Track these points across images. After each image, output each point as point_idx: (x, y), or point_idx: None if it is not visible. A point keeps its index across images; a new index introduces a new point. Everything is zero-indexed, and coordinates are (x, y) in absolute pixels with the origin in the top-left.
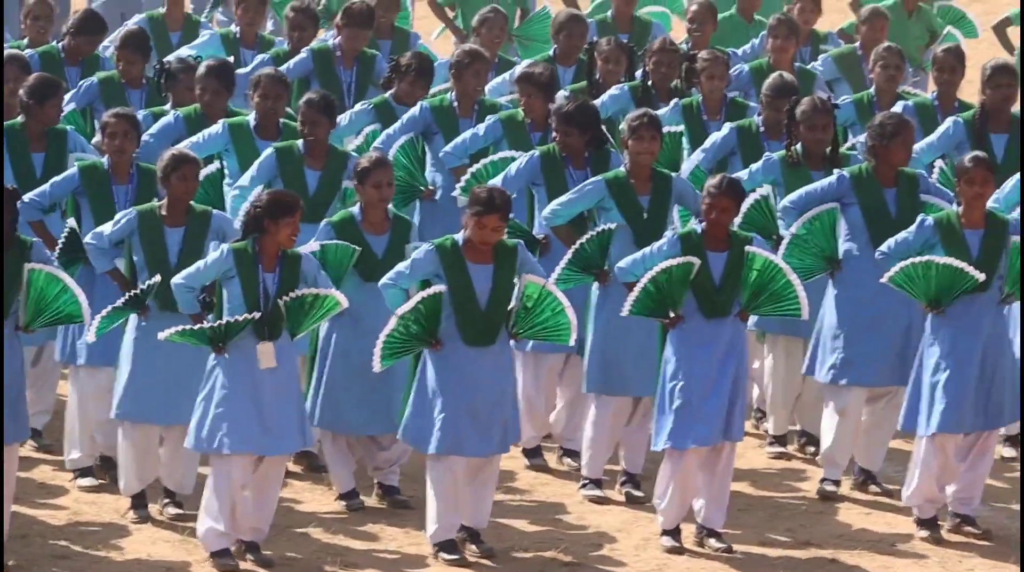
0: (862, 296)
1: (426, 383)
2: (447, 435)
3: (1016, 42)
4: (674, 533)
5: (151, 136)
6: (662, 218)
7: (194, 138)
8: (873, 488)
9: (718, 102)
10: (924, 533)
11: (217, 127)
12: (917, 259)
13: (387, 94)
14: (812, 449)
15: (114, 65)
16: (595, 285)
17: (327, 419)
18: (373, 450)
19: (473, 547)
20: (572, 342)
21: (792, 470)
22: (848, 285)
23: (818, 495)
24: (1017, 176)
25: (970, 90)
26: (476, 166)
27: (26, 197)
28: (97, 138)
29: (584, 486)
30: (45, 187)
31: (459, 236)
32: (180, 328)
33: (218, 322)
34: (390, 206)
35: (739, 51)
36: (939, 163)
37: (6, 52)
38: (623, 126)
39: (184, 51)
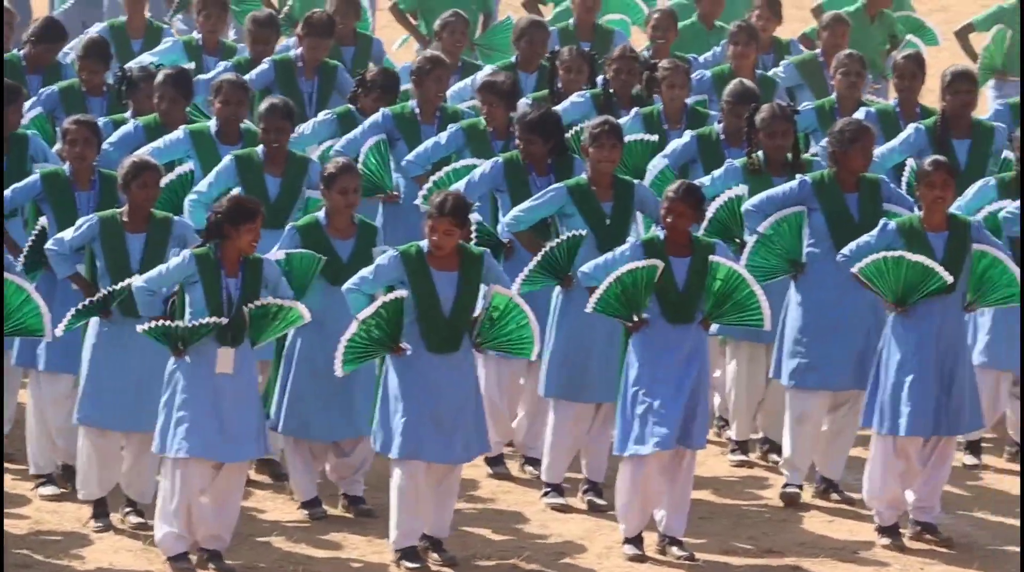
0: (825, 300)
1: (389, 389)
2: (409, 440)
3: (978, 48)
4: (636, 541)
5: (110, 145)
6: (624, 225)
7: (155, 143)
8: (835, 496)
9: (679, 111)
10: (886, 541)
11: (179, 133)
12: (889, 254)
13: (350, 105)
14: (775, 457)
15: (75, 73)
16: (558, 290)
17: (292, 425)
18: (331, 455)
19: (435, 555)
20: (533, 357)
21: (755, 478)
22: (811, 289)
23: (781, 498)
24: (978, 184)
25: (931, 98)
26: (439, 174)
27: None
28: (58, 145)
29: (546, 494)
30: (7, 192)
31: (424, 243)
32: (153, 323)
33: (187, 323)
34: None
35: (700, 58)
36: (910, 162)
37: None
38: (584, 134)
39: (146, 58)
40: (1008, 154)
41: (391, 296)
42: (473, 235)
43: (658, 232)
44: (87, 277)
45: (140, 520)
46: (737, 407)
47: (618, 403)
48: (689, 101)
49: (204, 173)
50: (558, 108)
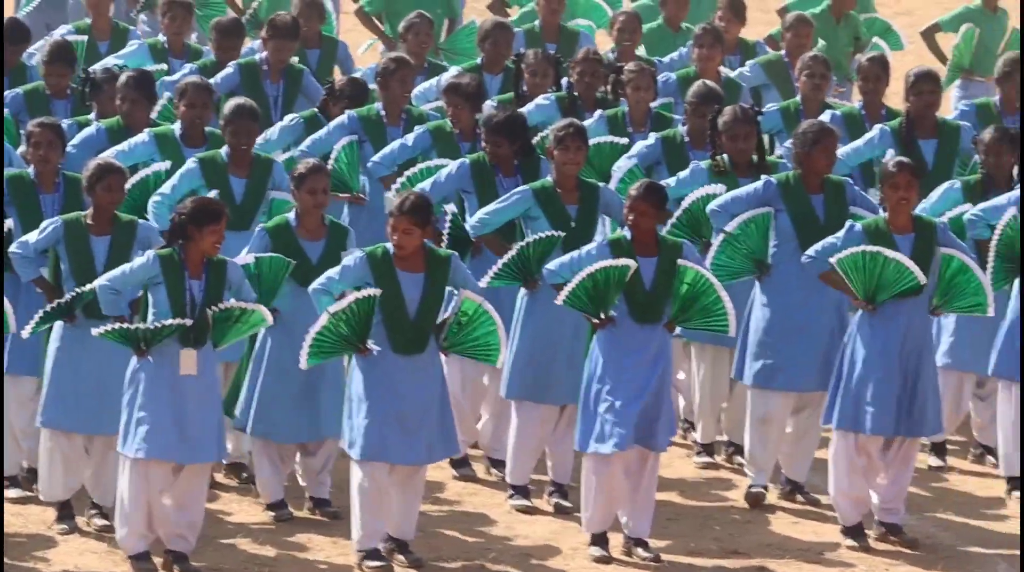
0: (790, 302)
1: (353, 390)
2: (371, 441)
3: (945, 48)
4: (602, 542)
5: (73, 147)
6: (589, 227)
7: (120, 146)
8: (800, 498)
9: (644, 114)
10: (851, 542)
11: (143, 136)
12: (868, 248)
13: (315, 109)
14: (740, 459)
15: (39, 75)
16: (523, 292)
17: (261, 428)
18: (301, 458)
19: (401, 557)
20: (499, 365)
21: (720, 480)
22: (776, 290)
23: (746, 499)
24: (943, 186)
25: (895, 101)
26: (410, 171)
27: None
28: (22, 148)
29: (512, 496)
30: None
31: (390, 244)
32: (112, 326)
33: (149, 324)
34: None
35: (665, 59)
36: (891, 152)
37: None
38: (549, 136)
39: (111, 61)
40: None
41: (364, 293)
42: (447, 227)
43: (625, 232)
44: (51, 279)
45: (105, 522)
46: (702, 410)
47: (580, 399)
48: (654, 104)
49: (169, 175)
50: (523, 110)
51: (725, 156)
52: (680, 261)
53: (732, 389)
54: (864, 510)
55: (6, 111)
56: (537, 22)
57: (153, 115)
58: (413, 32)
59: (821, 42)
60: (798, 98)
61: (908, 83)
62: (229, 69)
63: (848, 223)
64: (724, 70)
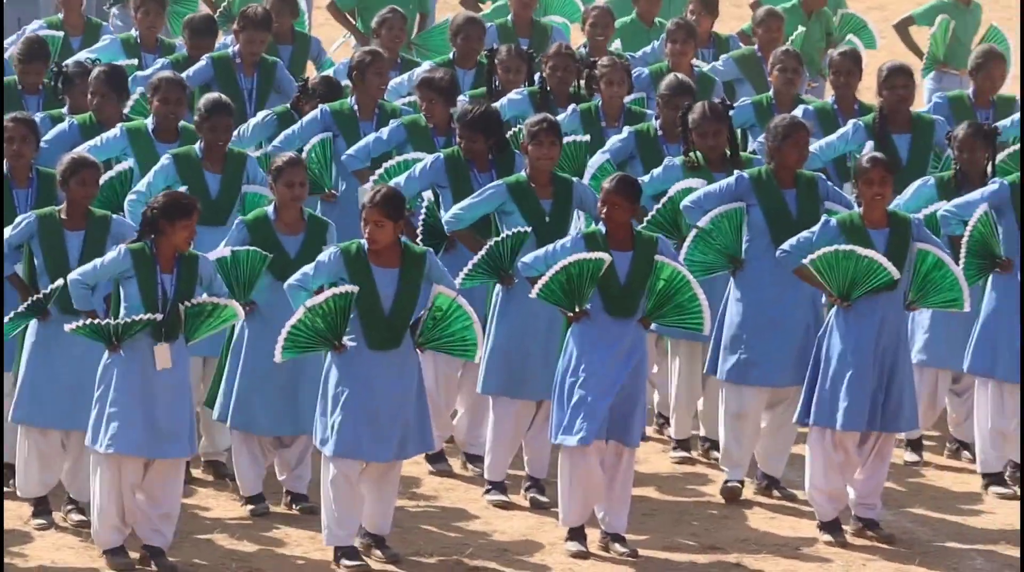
0: (763, 297)
1: (328, 386)
2: (343, 438)
3: (922, 44)
4: (579, 537)
5: (46, 143)
6: (564, 222)
7: (92, 142)
8: (776, 493)
9: (617, 108)
10: (828, 537)
11: (115, 131)
12: (841, 247)
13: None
14: (716, 454)
15: (11, 69)
16: (498, 288)
17: (239, 420)
18: (278, 451)
19: (378, 553)
20: (477, 360)
21: (696, 475)
22: (749, 285)
23: (722, 493)
24: (917, 183)
25: (867, 96)
26: (385, 165)
27: None
28: None
29: (489, 491)
30: None
31: (365, 240)
32: (83, 321)
33: (120, 320)
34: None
35: (638, 54)
36: (870, 145)
37: None
38: (523, 131)
39: (84, 55)
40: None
41: (342, 289)
42: (422, 218)
43: (599, 226)
44: (26, 275)
45: (82, 518)
46: (677, 405)
47: (554, 392)
48: (628, 99)
49: (141, 171)
50: (495, 106)
51: (698, 152)
52: (657, 257)
53: (706, 384)
54: (841, 506)
55: None
56: (510, 17)
57: (125, 110)
58: (386, 27)
59: (801, 28)
60: (770, 93)
61: (881, 77)
62: (202, 62)
63: (823, 218)
64: (697, 62)
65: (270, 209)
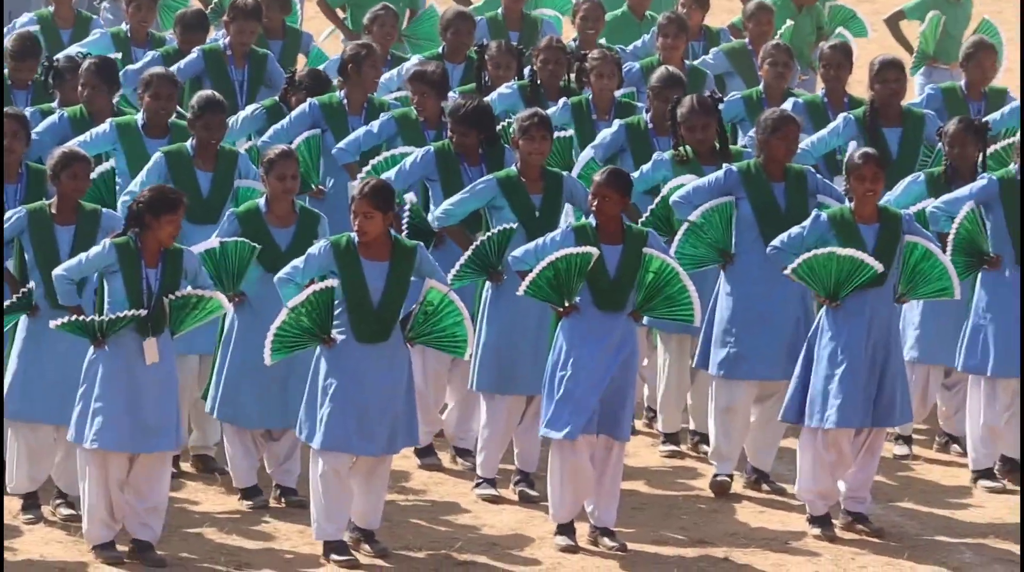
0: (753, 291)
1: (318, 379)
2: (331, 432)
3: (912, 38)
4: (568, 532)
5: (36, 134)
6: (554, 217)
7: (82, 137)
8: (765, 487)
9: (608, 101)
10: (817, 531)
11: (105, 126)
12: (820, 251)
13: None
14: (705, 448)
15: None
16: (487, 284)
17: (227, 412)
18: (267, 442)
19: (367, 547)
20: (467, 356)
21: (685, 469)
22: (738, 280)
23: (711, 488)
24: (908, 179)
25: (859, 89)
26: (375, 160)
27: None
28: None
29: (478, 485)
30: None
31: (355, 234)
32: (67, 318)
33: (104, 317)
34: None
35: (628, 48)
36: (853, 145)
37: None
38: (514, 126)
39: (74, 49)
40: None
41: (321, 285)
42: (406, 217)
43: (590, 220)
44: (16, 270)
45: (71, 512)
46: (666, 398)
47: (544, 388)
48: (618, 93)
49: (130, 167)
50: (487, 100)
51: (688, 146)
52: (645, 249)
53: (696, 378)
54: (831, 502)
55: None
56: (500, 10)
57: (115, 101)
58: (378, 24)
59: (789, 22)
60: (761, 86)
61: (873, 71)
62: (193, 55)
63: (814, 213)
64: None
65: (261, 201)
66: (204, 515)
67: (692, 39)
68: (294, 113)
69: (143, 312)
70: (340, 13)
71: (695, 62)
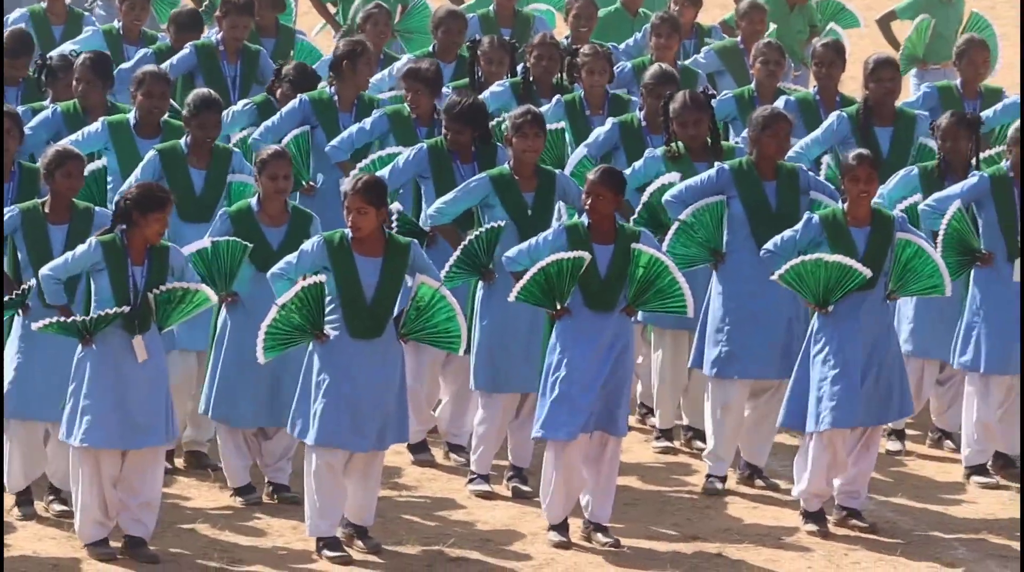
0: (745, 290)
1: (311, 375)
2: (325, 427)
3: (901, 37)
4: (561, 528)
5: (30, 129)
6: (547, 214)
7: (74, 136)
8: (759, 483)
9: (600, 97)
10: (810, 527)
11: (97, 125)
12: (807, 257)
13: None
14: (699, 444)
15: None
16: (479, 283)
17: (221, 411)
18: (260, 442)
19: (360, 543)
20: (461, 352)
21: (679, 464)
22: (729, 279)
23: (704, 491)
24: (901, 173)
25: (852, 86)
26: (366, 160)
27: None
28: None
29: (471, 481)
30: None
31: (349, 230)
32: (52, 319)
33: (89, 315)
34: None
35: (621, 46)
36: (826, 159)
37: None
38: (507, 123)
39: (67, 47)
40: (924, 141)
41: (310, 281)
42: (394, 225)
43: (582, 219)
44: (9, 268)
45: (64, 508)
46: (661, 395)
47: (539, 391)
48: (610, 90)
49: (122, 166)
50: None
51: (680, 142)
52: (634, 245)
53: (691, 374)
54: (825, 498)
55: None
56: (492, 7)
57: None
58: (372, 23)
59: (772, 26)
60: (752, 85)
61: (867, 70)
62: (185, 50)
63: (806, 216)
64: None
65: (254, 201)
66: (197, 511)
67: (684, 37)
68: (285, 109)
69: (127, 309)
70: (331, 8)
71: (687, 62)
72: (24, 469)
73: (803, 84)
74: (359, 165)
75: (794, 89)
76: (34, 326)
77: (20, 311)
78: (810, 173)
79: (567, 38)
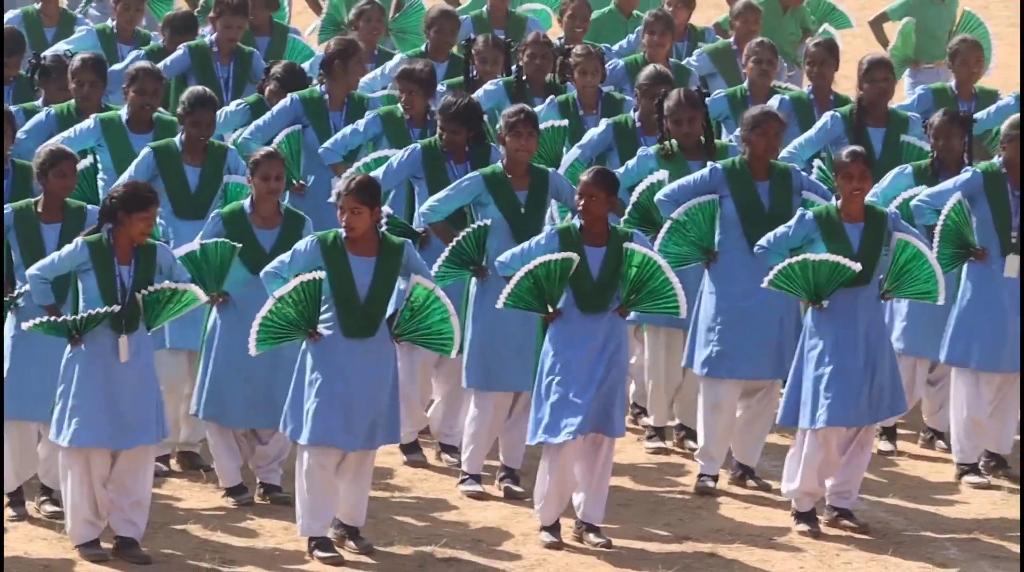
0: (737, 289)
1: (304, 374)
2: (318, 426)
3: (892, 37)
4: (553, 528)
5: (24, 133)
6: (539, 213)
7: (66, 133)
8: (751, 483)
9: (593, 97)
10: (802, 527)
11: (89, 122)
12: (793, 259)
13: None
14: (691, 444)
15: None
16: (473, 281)
17: (211, 411)
18: (254, 444)
19: (351, 543)
20: (454, 354)
21: (671, 465)
22: (721, 279)
23: (696, 490)
24: (894, 171)
25: (846, 85)
26: (359, 162)
27: None
28: None
29: (463, 481)
30: None
31: (343, 230)
32: (41, 319)
33: (78, 315)
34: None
35: (615, 47)
36: (817, 162)
37: None
38: (500, 122)
39: (61, 47)
40: (909, 140)
41: (309, 276)
42: (384, 228)
43: (574, 221)
44: (3, 268)
45: (56, 509)
46: (655, 394)
47: (533, 392)
48: (603, 89)
49: (115, 162)
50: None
51: (673, 140)
52: (627, 244)
53: (685, 373)
54: (817, 498)
55: None
56: (485, 8)
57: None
58: (364, 19)
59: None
60: (745, 84)
61: (861, 70)
62: (179, 51)
63: (799, 212)
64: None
65: (246, 202)
66: (189, 512)
67: (677, 39)
68: (276, 107)
69: (117, 308)
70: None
71: (680, 62)
72: (16, 469)
73: (796, 85)
74: (353, 166)
75: (787, 88)
76: (24, 326)
77: (12, 310)
78: (803, 173)
79: (561, 39)
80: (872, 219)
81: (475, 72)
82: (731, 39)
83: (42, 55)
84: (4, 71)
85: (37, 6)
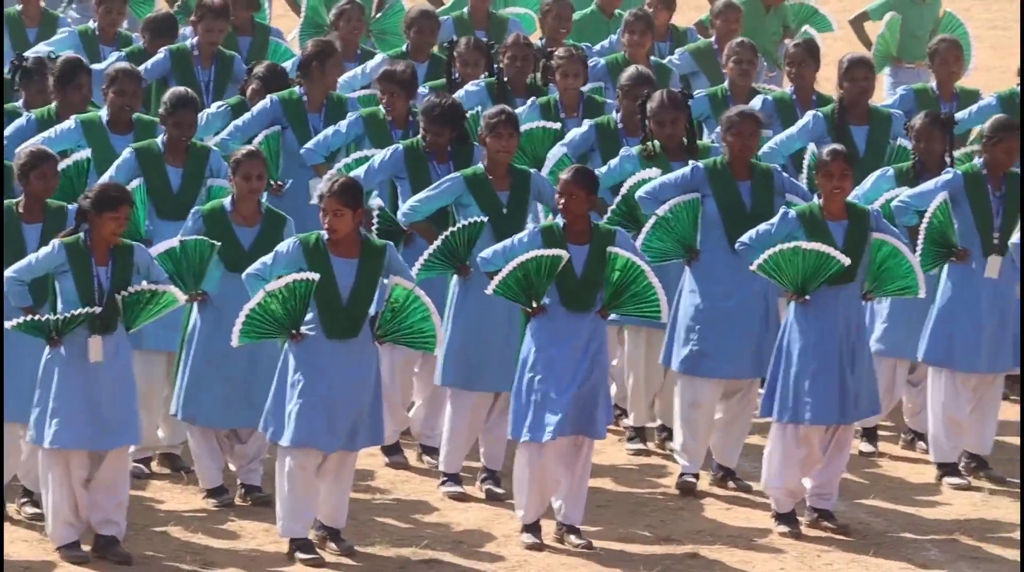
0: (718, 289)
1: (286, 375)
2: (301, 427)
3: (873, 37)
4: (534, 530)
5: (6, 138)
6: (521, 214)
7: (46, 133)
8: (731, 484)
9: (575, 99)
10: (783, 528)
11: (69, 123)
12: (784, 246)
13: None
14: (671, 444)
15: None
16: (455, 280)
17: (190, 412)
18: (234, 443)
19: (332, 545)
20: (437, 351)
21: (652, 466)
22: (702, 278)
23: (678, 488)
24: (876, 173)
25: (827, 86)
26: (341, 162)
27: None
28: None
29: (444, 483)
30: None
31: (325, 232)
32: (22, 319)
33: (57, 316)
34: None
35: (596, 47)
36: (811, 147)
37: None
38: (481, 123)
39: (42, 48)
40: (902, 142)
41: (302, 276)
42: (375, 221)
43: (557, 220)
44: None
45: (36, 511)
46: (635, 394)
47: (513, 388)
48: (584, 89)
49: (96, 163)
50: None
51: (656, 141)
52: (610, 248)
53: (666, 374)
54: (798, 498)
55: None
56: (466, 9)
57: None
58: (345, 19)
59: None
60: (726, 84)
61: (842, 69)
62: (160, 55)
63: (782, 210)
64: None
65: (227, 200)
66: (169, 513)
67: (658, 39)
68: (255, 108)
69: (97, 309)
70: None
71: (661, 61)
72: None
73: (777, 85)
74: (335, 166)
75: (769, 89)
76: (7, 325)
77: None
78: (785, 174)
79: (541, 39)
80: (855, 217)
81: (456, 74)
82: (712, 39)
83: (25, 56)
84: None
85: (18, 7)
